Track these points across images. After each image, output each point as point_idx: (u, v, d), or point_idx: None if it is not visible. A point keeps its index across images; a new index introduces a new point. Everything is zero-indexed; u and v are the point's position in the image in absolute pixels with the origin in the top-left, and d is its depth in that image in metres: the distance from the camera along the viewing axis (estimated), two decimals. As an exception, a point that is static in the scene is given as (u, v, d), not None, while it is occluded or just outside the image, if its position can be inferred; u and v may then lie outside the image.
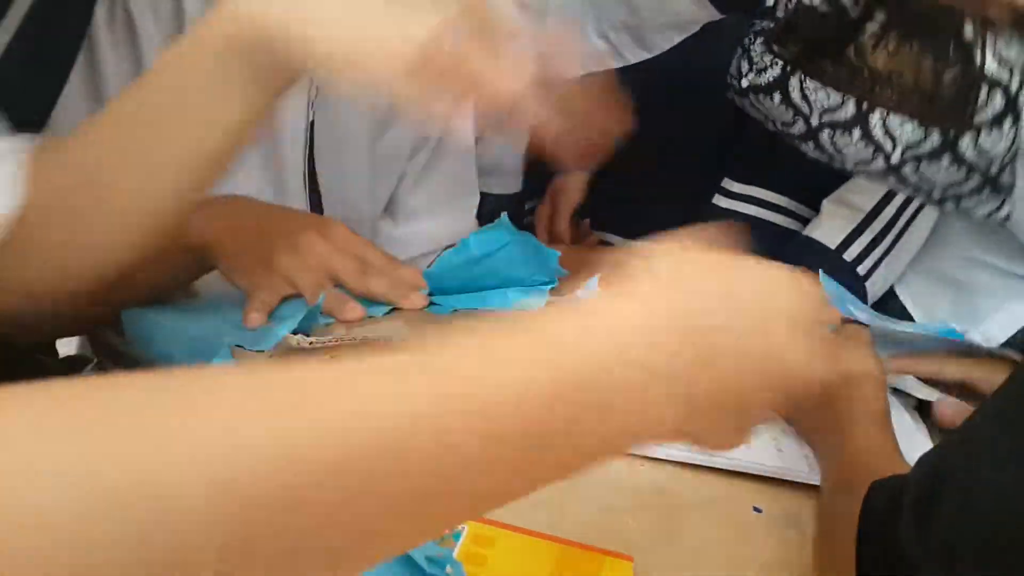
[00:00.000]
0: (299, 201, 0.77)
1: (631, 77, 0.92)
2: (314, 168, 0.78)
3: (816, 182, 0.95)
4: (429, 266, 0.69)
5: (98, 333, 0.80)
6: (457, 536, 0.55)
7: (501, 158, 1.00)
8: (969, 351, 0.76)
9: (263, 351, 0.57)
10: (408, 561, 0.49)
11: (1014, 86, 0.72)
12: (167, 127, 0.51)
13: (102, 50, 0.67)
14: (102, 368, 0.78)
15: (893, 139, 0.76)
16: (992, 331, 0.84)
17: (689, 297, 0.36)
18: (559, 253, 0.67)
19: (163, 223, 0.54)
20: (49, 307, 0.57)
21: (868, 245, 0.91)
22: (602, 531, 0.57)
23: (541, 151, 0.56)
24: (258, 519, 0.26)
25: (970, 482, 0.42)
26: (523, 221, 1.08)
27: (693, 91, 0.97)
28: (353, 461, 0.28)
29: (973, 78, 0.72)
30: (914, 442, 0.69)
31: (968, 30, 0.72)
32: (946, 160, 0.75)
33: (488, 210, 0.93)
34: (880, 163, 0.77)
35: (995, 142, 0.73)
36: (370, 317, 0.64)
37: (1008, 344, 0.82)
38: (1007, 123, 0.73)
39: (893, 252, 0.91)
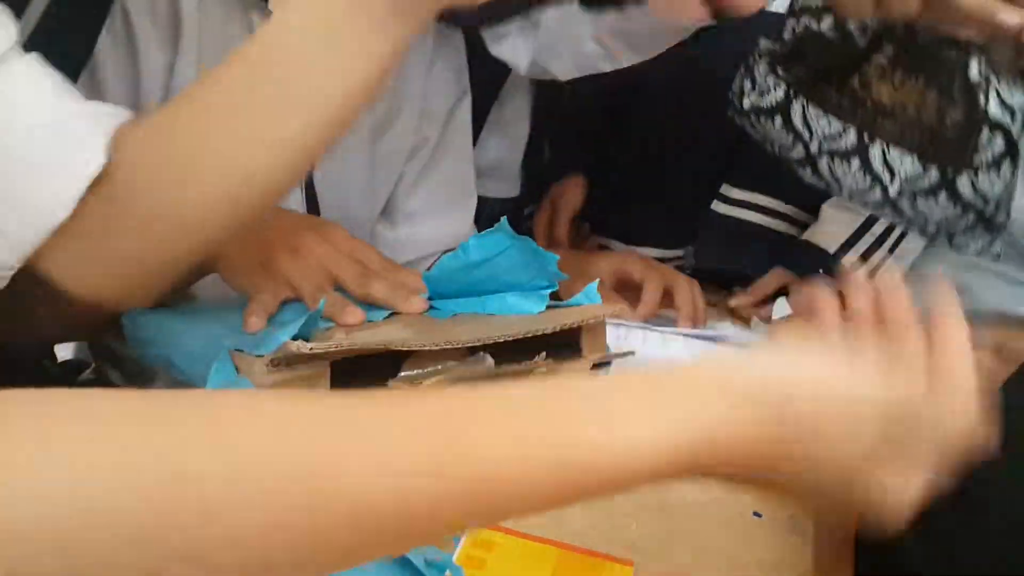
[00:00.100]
0: (296, 203, 0.77)
1: (632, 82, 0.92)
2: (310, 170, 0.78)
3: (815, 187, 0.95)
4: (427, 270, 0.69)
5: (97, 336, 0.80)
6: (456, 540, 0.54)
7: (500, 161, 1.00)
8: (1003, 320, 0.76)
9: (263, 355, 0.57)
10: (407, 564, 0.49)
11: (1016, 130, 0.73)
12: (288, 83, 0.51)
13: (101, 52, 0.67)
14: (100, 372, 0.78)
15: (892, 172, 0.76)
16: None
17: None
18: (559, 257, 0.67)
19: (255, 201, 0.54)
20: (126, 286, 0.57)
21: (868, 249, 0.91)
22: (602, 535, 0.57)
23: None
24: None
25: (970, 486, 0.42)
26: (522, 226, 1.08)
27: (694, 97, 0.97)
28: None
29: (976, 119, 0.72)
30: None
31: (974, 71, 0.72)
32: (943, 197, 0.75)
33: (486, 214, 0.93)
34: (877, 194, 0.78)
35: (993, 183, 0.74)
36: (370, 321, 0.64)
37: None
38: (1006, 166, 0.73)
39: (893, 256, 0.91)
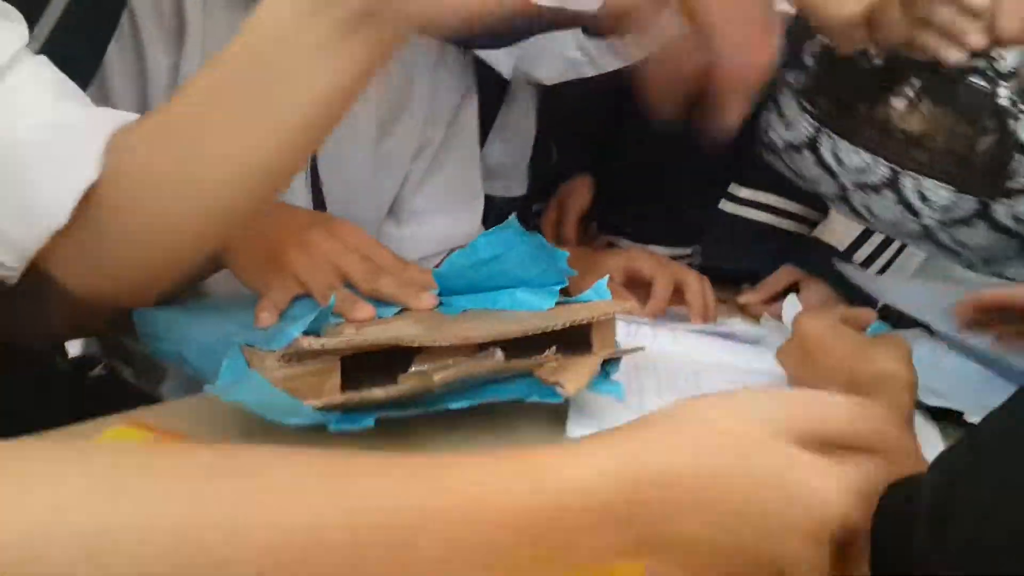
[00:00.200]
0: (302, 201, 0.77)
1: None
2: (317, 168, 0.78)
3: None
4: (436, 267, 0.69)
5: (108, 333, 0.80)
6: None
7: (507, 161, 1.00)
8: None
9: (274, 350, 0.57)
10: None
11: None
12: (274, 83, 0.51)
13: (110, 55, 0.67)
14: (111, 369, 0.78)
15: (926, 202, 0.75)
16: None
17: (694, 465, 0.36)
18: (568, 253, 0.67)
19: (249, 201, 0.54)
20: (126, 286, 0.57)
21: (878, 247, 0.91)
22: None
23: None
24: None
25: (987, 486, 0.42)
26: (530, 224, 1.08)
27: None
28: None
29: (1008, 145, 0.72)
30: (927, 445, 0.69)
31: (1004, 97, 0.72)
32: (982, 226, 0.75)
33: (494, 213, 0.93)
34: (914, 226, 0.77)
35: None
36: (380, 317, 0.64)
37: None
38: None
39: (903, 254, 0.91)
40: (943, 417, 0.74)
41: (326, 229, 0.68)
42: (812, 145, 0.80)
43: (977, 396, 0.76)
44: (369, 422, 0.56)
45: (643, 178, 1.03)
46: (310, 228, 0.68)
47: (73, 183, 0.51)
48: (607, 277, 0.69)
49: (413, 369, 0.59)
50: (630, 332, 0.82)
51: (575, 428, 0.64)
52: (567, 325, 0.62)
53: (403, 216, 0.87)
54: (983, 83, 0.72)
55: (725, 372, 0.78)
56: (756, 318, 0.93)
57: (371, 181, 0.83)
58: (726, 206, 1.01)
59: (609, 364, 0.66)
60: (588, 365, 0.62)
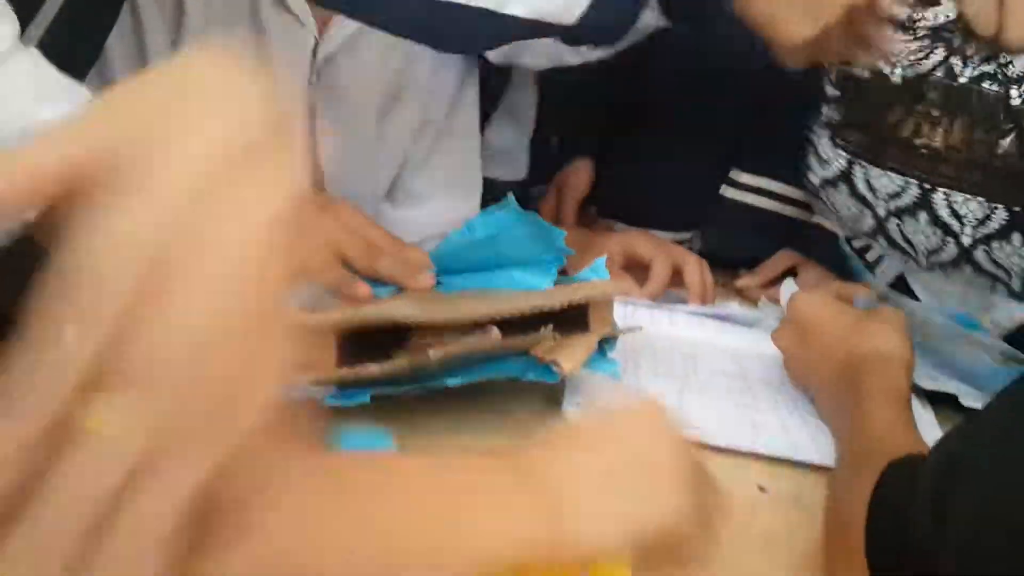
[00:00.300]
0: (301, 183, 0.77)
1: (640, 66, 0.92)
2: (315, 149, 0.78)
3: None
4: (435, 248, 0.70)
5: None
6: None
7: (507, 145, 1.00)
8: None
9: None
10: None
11: None
12: None
13: (112, 45, 0.67)
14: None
15: (960, 219, 0.76)
16: (1000, 319, 0.84)
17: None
18: (565, 233, 0.67)
19: None
20: None
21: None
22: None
23: None
24: None
25: (988, 470, 0.42)
26: (529, 207, 1.08)
27: (705, 80, 0.97)
28: None
29: None
30: (922, 430, 0.69)
31: (1016, 98, 0.72)
32: (1017, 239, 0.75)
33: (493, 197, 0.93)
34: (952, 248, 0.78)
35: None
36: (376, 297, 0.64)
37: (1014, 334, 0.82)
38: None
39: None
40: (939, 400, 0.74)
41: (324, 210, 0.68)
42: (847, 177, 0.82)
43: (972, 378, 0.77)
44: (364, 398, 0.57)
45: (643, 163, 1.03)
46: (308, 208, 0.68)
47: None
48: (605, 256, 0.70)
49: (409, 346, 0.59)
50: (627, 313, 0.82)
51: (570, 407, 0.64)
52: (564, 304, 0.62)
53: (402, 198, 0.87)
54: (995, 88, 0.73)
55: (721, 353, 0.78)
56: (754, 302, 0.93)
57: (370, 162, 0.83)
58: (727, 192, 1.01)
59: (606, 343, 0.66)
60: (585, 344, 0.63)
